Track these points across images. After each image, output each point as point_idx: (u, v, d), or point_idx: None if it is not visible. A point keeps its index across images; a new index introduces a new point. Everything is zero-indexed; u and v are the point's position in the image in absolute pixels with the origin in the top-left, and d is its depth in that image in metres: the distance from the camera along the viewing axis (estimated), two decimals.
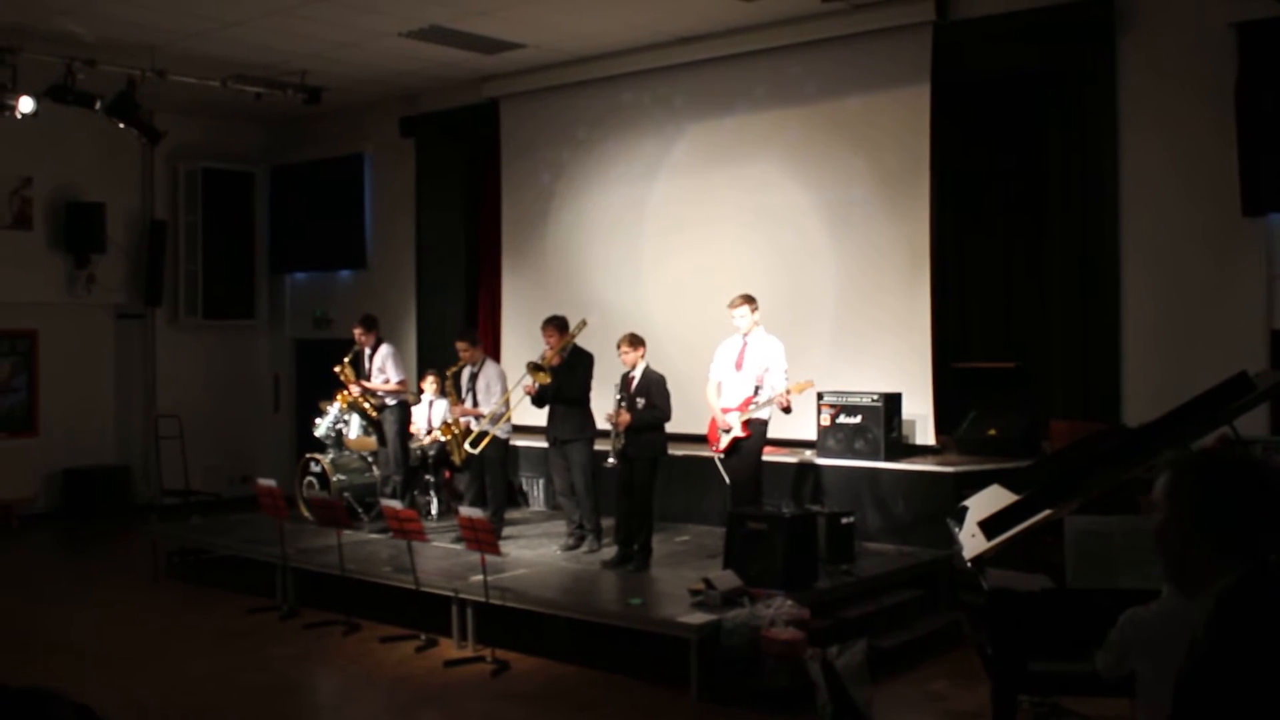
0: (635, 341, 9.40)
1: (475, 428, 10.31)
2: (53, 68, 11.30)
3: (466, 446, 10.24)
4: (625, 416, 9.17)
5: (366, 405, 11.30)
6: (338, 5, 10.49)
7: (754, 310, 9.39)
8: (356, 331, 11.40)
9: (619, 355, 9.39)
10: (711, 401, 9.49)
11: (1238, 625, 2.31)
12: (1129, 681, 3.87)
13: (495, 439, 10.36)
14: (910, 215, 10.48)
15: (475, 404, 10.47)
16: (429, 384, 11.70)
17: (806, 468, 10.25)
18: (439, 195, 14.43)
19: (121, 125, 11.92)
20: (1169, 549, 2.56)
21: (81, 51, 11.38)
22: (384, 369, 11.26)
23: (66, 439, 14.62)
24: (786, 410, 9.33)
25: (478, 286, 14.42)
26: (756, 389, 9.28)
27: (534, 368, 9.64)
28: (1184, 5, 9.29)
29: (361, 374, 11.30)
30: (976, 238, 10.95)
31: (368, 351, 11.33)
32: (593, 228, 12.75)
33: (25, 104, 11.37)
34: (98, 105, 11.59)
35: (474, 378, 10.56)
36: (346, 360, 11.36)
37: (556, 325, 9.87)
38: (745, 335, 9.41)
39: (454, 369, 10.69)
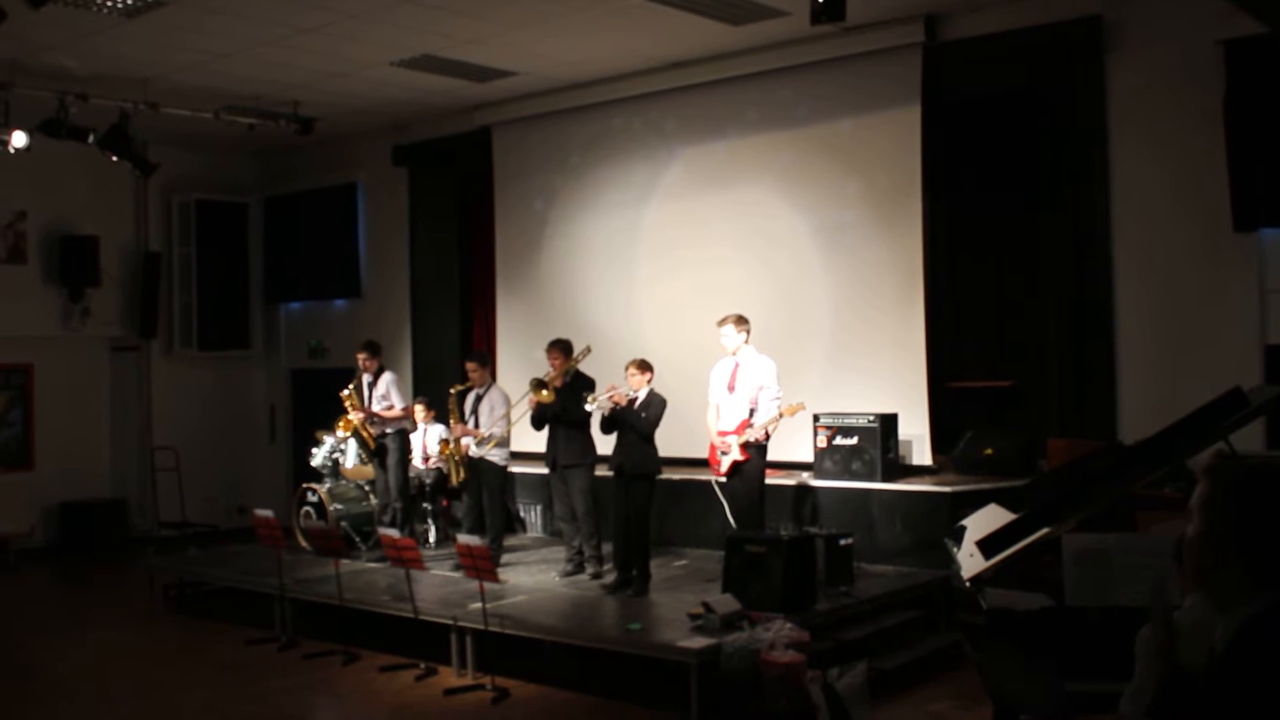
0: (644, 366, 9.48)
1: (474, 449, 10.32)
2: (45, 102, 11.31)
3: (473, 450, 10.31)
4: (622, 397, 9.23)
5: (366, 433, 11.27)
6: (329, 35, 10.53)
7: (740, 329, 9.40)
8: (360, 357, 11.39)
9: (626, 378, 9.43)
10: (710, 426, 9.50)
11: (1259, 657, 2.22)
12: None
13: (493, 464, 10.36)
14: (903, 235, 10.50)
15: (477, 425, 10.48)
16: (419, 411, 11.69)
17: (804, 490, 10.24)
18: (432, 223, 14.45)
19: (114, 158, 11.91)
20: (1201, 561, 2.37)
21: (74, 85, 11.41)
22: (387, 396, 11.25)
23: (62, 472, 14.57)
24: (765, 438, 9.32)
25: (472, 313, 14.41)
26: (751, 410, 9.28)
27: (538, 385, 9.65)
28: (1171, 23, 9.34)
29: (363, 400, 11.29)
30: (969, 257, 10.94)
31: (368, 379, 11.33)
32: (586, 253, 12.77)
33: (18, 138, 11.38)
34: (91, 139, 11.59)
35: (479, 399, 10.57)
36: (351, 386, 11.35)
37: (562, 348, 9.89)
38: (736, 356, 9.43)
39: (459, 388, 10.70)
